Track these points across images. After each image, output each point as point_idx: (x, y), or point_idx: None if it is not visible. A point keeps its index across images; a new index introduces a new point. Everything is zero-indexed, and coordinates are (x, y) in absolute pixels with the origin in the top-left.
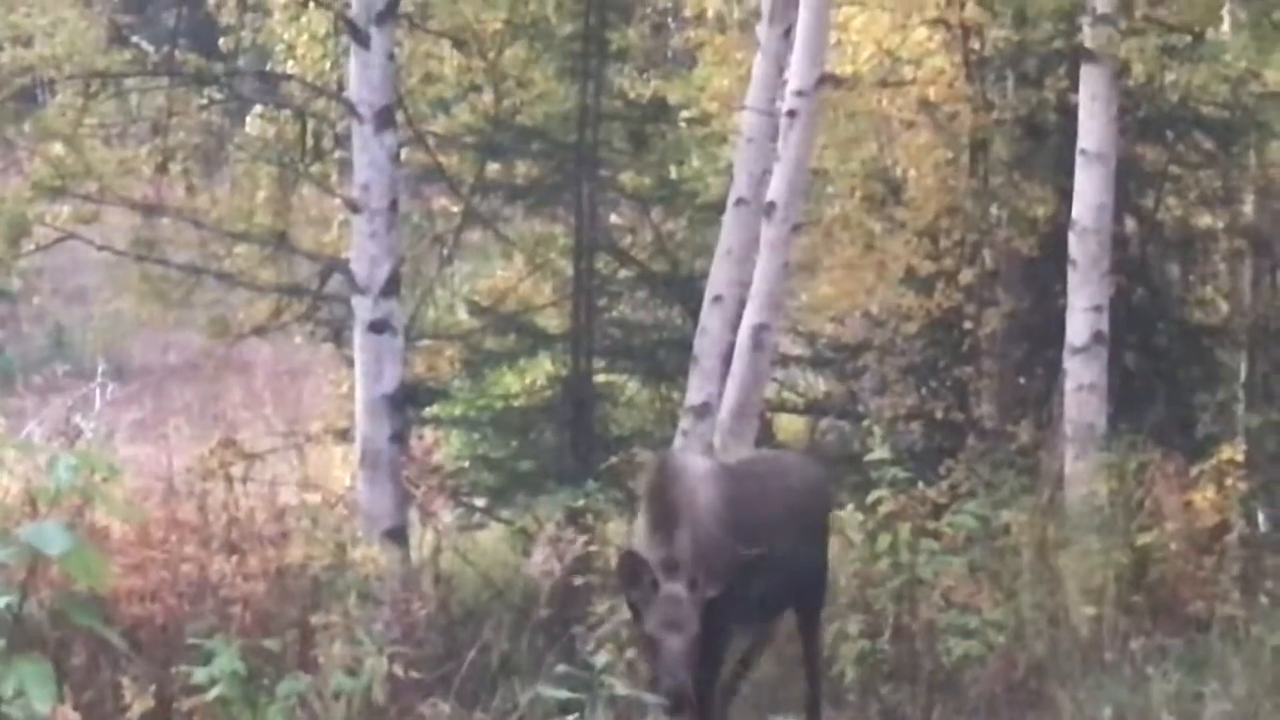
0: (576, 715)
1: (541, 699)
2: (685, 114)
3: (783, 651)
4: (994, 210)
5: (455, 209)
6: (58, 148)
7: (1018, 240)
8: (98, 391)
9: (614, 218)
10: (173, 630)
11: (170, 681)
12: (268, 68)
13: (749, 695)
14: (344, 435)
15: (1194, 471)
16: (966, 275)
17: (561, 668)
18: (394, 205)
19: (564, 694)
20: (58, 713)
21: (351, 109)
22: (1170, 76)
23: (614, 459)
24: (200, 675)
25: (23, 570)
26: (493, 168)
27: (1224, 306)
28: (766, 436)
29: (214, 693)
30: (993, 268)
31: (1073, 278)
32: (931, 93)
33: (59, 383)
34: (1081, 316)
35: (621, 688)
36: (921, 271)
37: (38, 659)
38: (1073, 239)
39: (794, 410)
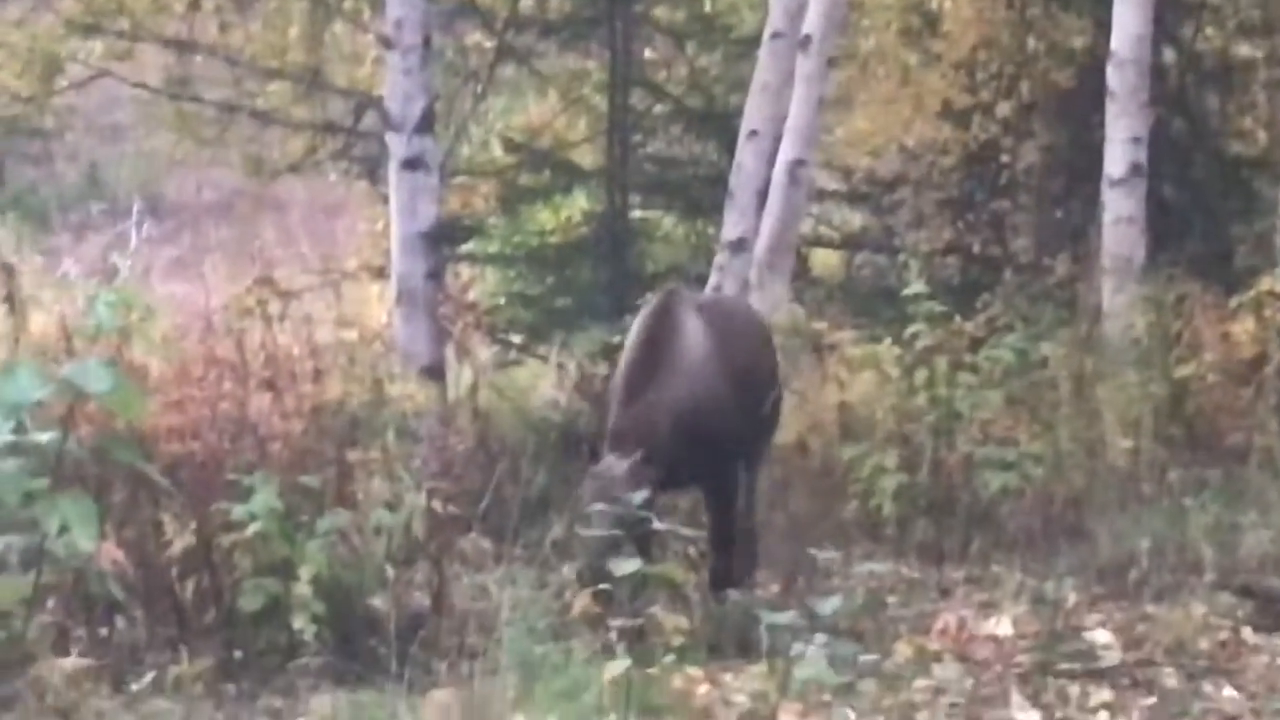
0: (613, 550)
1: (578, 535)
2: None
3: (818, 485)
4: (1031, 42)
5: (489, 44)
6: None
7: (1055, 72)
8: (133, 229)
9: (648, 52)
10: (212, 467)
11: (210, 518)
12: None
13: (785, 529)
14: (380, 273)
15: (1232, 303)
16: (1003, 108)
17: (598, 504)
18: (427, 41)
19: (601, 531)
20: (101, 549)
21: None
22: None
23: (650, 295)
24: (240, 512)
25: (63, 408)
26: (526, 2)
27: (1263, 137)
28: (802, 271)
29: (253, 529)
30: (1030, 100)
31: (1111, 109)
32: None
33: (94, 221)
34: (1119, 148)
35: (658, 523)
36: (958, 104)
37: (81, 496)
38: (1111, 70)
39: (830, 245)
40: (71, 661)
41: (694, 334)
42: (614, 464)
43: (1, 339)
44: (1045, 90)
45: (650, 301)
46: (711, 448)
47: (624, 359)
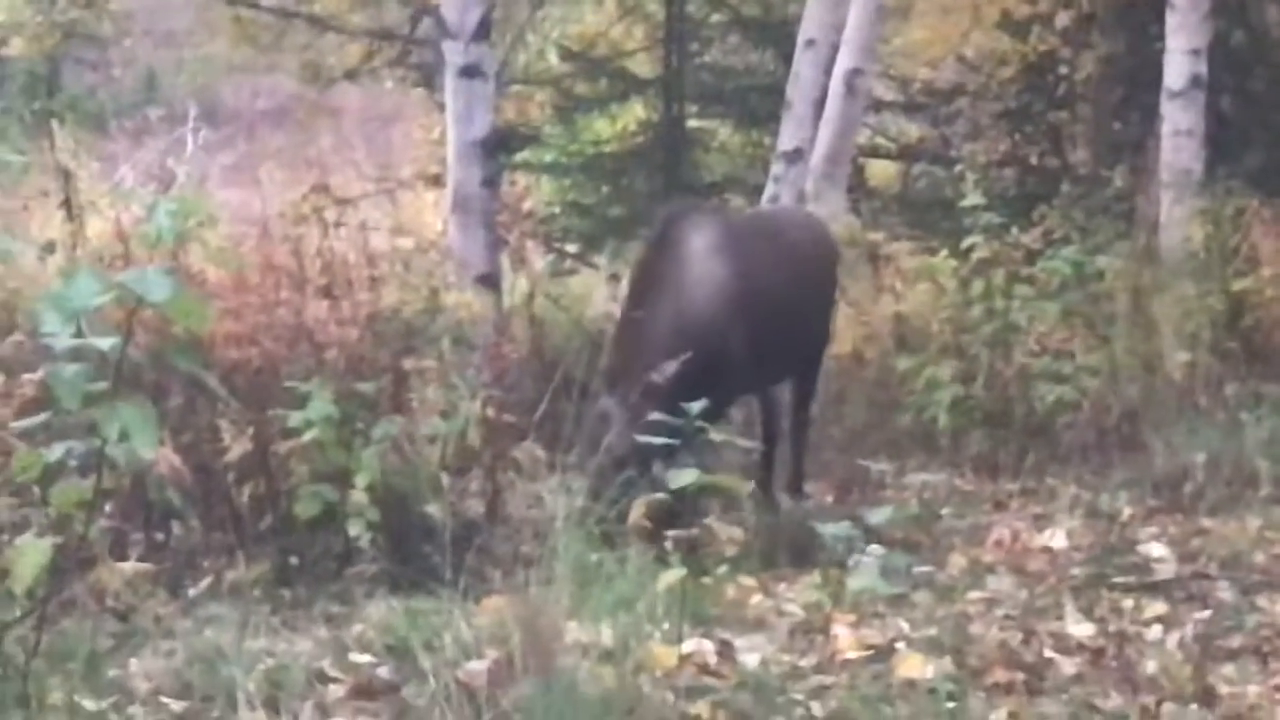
0: (670, 458)
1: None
2: None
3: (872, 397)
4: None
5: None
6: None
7: None
8: (189, 136)
9: None
10: (269, 374)
11: (267, 425)
12: None
13: (838, 440)
14: (435, 181)
15: None
16: (1063, 18)
17: (656, 413)
18: None
19: (659, 439)
20: (159, 455)
21: None
22: None
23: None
24: (296, 419)
25: (121, 314)
26: None
27: None
28: (858, 182)
29: (309, 436)
30: (1089, 10)
31: (1171, 20)
32: None
33: (150, 127)
34: (1179, 60)
35: (715, 433)
36: (1017, 14)
37: (141, 402)
38: None
39: (886, 156)
40: (130, 566)
41: (699, 257)
42: (605, 404)
43: (60, 244)
44: (1105, 1)
45: (655, 222)
46: (719, 378)
47: (630, 281)
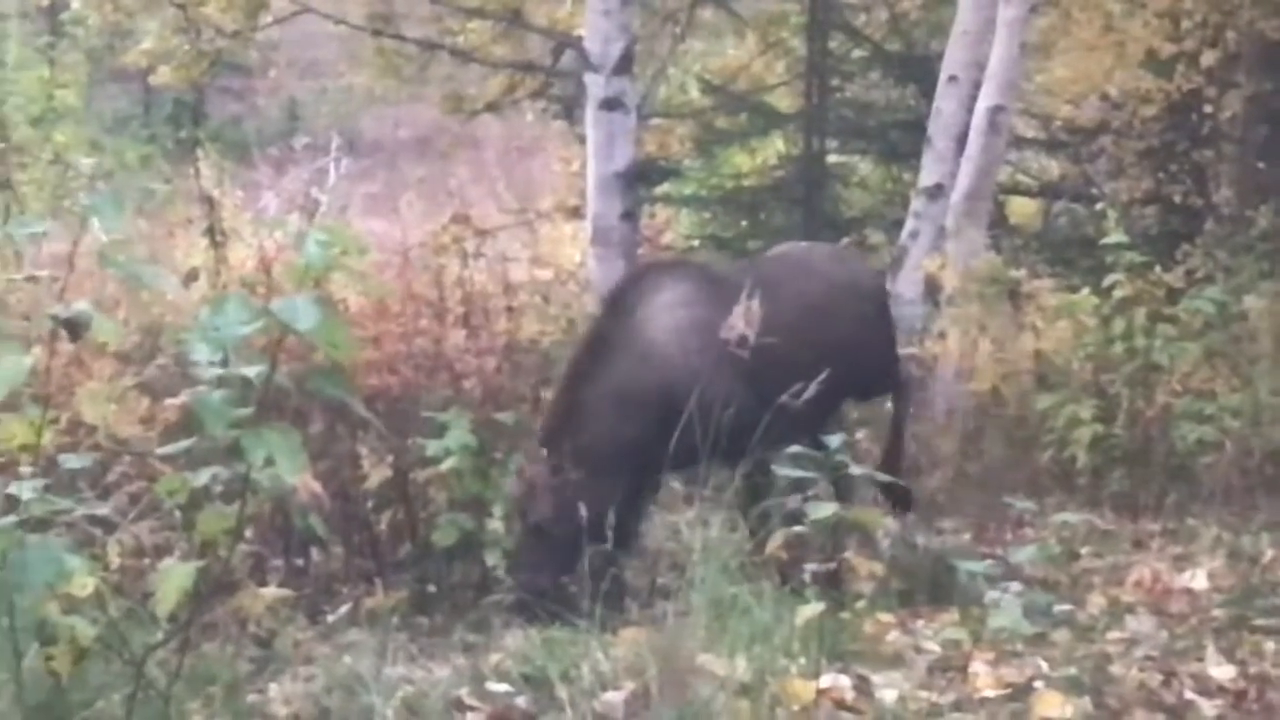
0: (808, 494)
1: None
2: None
3: (1012, 434)
4: None
5: None
6: None
7: (1262, 21)
8: (332, 165)
9: None
10: (408, 402)
11: (406, 453)
12: None
13: (976, 476)
14: (574, 213)
15: None
16: (1208, 57)
17: (795, 447)
18: None
19: (797, 472)
20: (299, 481)
21: None
22: None
23: (845, 240)
24: (434, 447)
25: (267, 341)
26: None
27: None
28: (999, 219)
29: (447, 464)
30: (1235, 50)
31: None
32: None
33: (294, 156)
34: None
35: (856, 467)
36: (1162, 53)
37: (287, 429)
38: None
39: (1027, 193)
40: (271, 592)
41: (654, 318)
42: (533, 470)
43: (203, 271)
44: (1251, 40)
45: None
46: (682, 442)
47: (586, 334)
